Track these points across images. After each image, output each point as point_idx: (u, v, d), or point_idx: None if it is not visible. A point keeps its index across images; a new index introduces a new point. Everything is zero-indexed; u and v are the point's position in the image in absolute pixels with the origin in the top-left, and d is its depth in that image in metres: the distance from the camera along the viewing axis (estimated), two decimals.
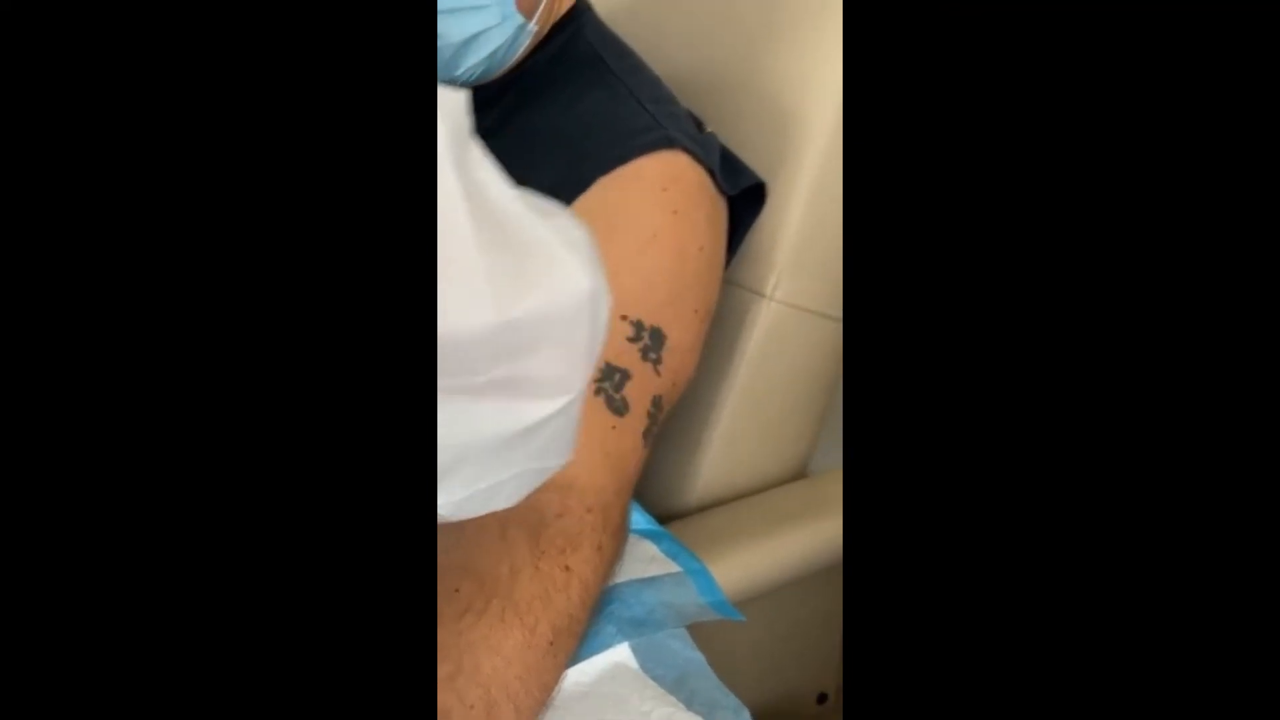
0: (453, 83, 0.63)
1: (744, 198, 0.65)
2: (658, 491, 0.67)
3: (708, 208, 0.59)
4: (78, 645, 0.27)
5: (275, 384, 0.29)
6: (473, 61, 0.61)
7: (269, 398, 0.29)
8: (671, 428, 0.66)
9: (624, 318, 0.54)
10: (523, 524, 0.46)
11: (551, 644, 0.43)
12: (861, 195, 0.33)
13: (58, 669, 0.27)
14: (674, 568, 0.55)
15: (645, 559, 0.55)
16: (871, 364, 0.32)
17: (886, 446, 0.32)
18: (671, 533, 0.58)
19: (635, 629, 0.49)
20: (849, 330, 0.34)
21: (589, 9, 0.70)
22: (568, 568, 0.45)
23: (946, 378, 0.31)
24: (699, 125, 0.66)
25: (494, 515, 0.46)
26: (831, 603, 0.74)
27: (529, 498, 0.48)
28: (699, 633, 0.50)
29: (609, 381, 0.52)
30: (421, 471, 0.30)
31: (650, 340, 0.54)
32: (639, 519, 0.58)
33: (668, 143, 0.59)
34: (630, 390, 0.53)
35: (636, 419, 0.53)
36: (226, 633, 0.28)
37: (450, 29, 0.59)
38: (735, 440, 0.70)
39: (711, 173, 0.60)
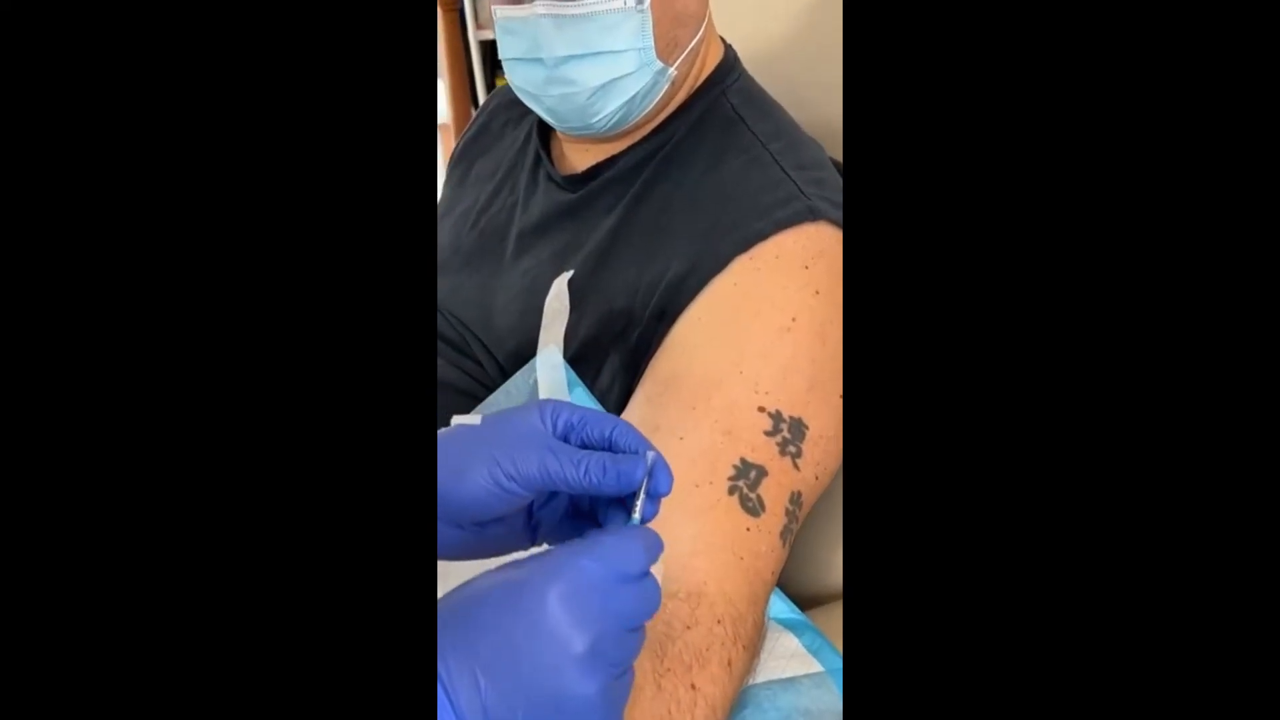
0: (589, 128, 0.62)
1: None
2: (803, 573, 0.65)
3: None
4: (78, 643, 0.28)
5: (278, 379, 0.31)
6: (610, 108, 0.61)
7: (273, 395, 0.31)
8: (818, 504, 0.64)
9: (761, 409, 0.52)
10: (648, 636, 0.45)
11: None
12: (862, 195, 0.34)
13: (58, 667, 0.28)
14: (815, 666, 0.53)
15: (785, 655, 0.53)
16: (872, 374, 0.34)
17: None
18: (815, 622, 0.55)
19: None
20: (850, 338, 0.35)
21: (735, 67, 0.67)
22: (693, 686, 0.45)
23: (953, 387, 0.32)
24: None
25: None
26: None
27: None
28: None
29: (744, 479, 0.50)
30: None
31: (790, 432, 0.52)
32: (780, 606, 0.56)
33: (810, 215, 0.56)
34: (766, 488, 0.51)
35: (773, 519, 0.51)
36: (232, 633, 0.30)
37: (586, 74, 0.59)
38: None
39: None
